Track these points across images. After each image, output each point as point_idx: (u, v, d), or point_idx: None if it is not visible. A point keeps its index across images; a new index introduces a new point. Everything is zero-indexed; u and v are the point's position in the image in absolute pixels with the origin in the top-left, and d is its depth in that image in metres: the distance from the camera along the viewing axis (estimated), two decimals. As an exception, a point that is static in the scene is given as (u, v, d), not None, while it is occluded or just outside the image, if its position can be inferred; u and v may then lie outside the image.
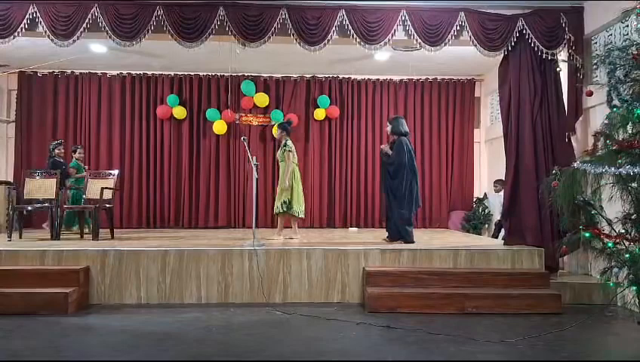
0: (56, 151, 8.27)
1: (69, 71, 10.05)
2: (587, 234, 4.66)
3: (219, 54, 7.91)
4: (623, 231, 4.59)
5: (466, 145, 10.50)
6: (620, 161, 4.38)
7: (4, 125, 10.09)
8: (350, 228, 10.05)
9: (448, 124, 10.52)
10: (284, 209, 7.07)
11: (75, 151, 8.50)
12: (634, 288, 4.53)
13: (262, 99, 10.08)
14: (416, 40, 6.68)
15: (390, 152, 6.78)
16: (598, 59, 4.91)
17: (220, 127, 9.93)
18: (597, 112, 6.41)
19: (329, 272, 5.99)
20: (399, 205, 6.65)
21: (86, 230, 7.70)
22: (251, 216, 6.65)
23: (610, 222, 4.70)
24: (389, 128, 6.98)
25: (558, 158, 6.35)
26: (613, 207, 4.62)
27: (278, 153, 7.30)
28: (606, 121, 4.64)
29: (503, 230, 7.85)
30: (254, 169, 6.57)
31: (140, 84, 10.25)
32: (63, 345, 4.33)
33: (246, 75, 10.16)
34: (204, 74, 10.25)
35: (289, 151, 7.07)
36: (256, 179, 6.61)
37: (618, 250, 4.59)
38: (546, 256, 6.22)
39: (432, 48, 6.74)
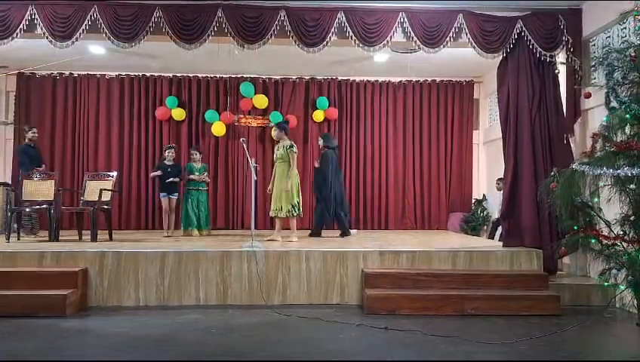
0: (165, 154, 8.55)
1: (68, 72, 10.03)
2: (585, 236, 4.68)
3: (218, 56, 7.90)
4: (622, 232, 4.60)
5: (464, 146, 10.50)
6: (618, 162, 4.39)
7: (2, 127, 10.07)
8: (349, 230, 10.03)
9: (447, 125, 10.52)
10: (297, 211, 7.17)
11: (192, 155, 8.65)
12: (632, 289, 4.54)
13: (261, 101, 10.08)
14: (415, 42, 6.69)
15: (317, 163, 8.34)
16: (596, 61, 4.93)
17: (219, 128, 9.93)
18: (595, 114, 6.43)
19: (328, 274, 5.99)
20: (325, 205, 8.07)
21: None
22: (250, 218, 6.64)
23: (608, 224, 4.72)
24: (320, 142, 8.32)
25: (556, 160, 6.37)
26: (611, 208, 4.64)
27: (280, 152, 7.23)
28: (604, 123, 4.66)
29: (499, 229, 7.85)
30: (253, 171, 6.57)
31: (138, 85, 10.25)
32: (62, 346, 4.32)
33: (245, 76, 10.16)
34: (203, 75, 10.25)
35: (295, 152, 7.12)
36: (255, 181, 6.61)
37: (617, 252, 4.60)
38: (545, 257, 6.21)
39: (431, 50, 6.75)
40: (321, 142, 8.33)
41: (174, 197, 8.44)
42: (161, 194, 8.47)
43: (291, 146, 7.17)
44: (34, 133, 8.30)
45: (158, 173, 8.34)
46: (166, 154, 8.48)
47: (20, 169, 7.98)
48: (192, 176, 8.39)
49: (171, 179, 8.30)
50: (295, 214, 7.17)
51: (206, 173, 8.57)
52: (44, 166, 8.33)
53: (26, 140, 8.27)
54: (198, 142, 10.16)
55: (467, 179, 10.51)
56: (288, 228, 7.37)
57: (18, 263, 5.82)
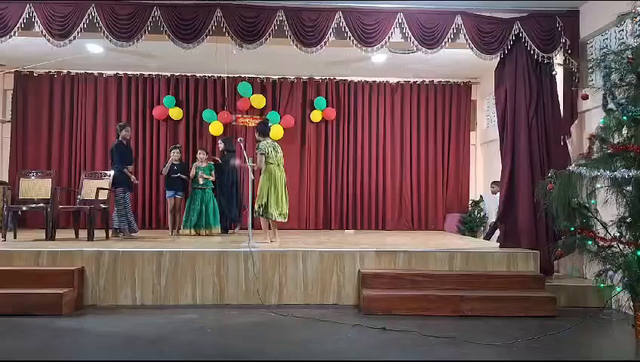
0: (170, 154, 8.55)
1: (65, 71, 10.03)
2: (582, 238, 4.69)
3: (215, 55, 7.90)
4: (618, 234, 4.61)
5: (461, 147, 10.52)
6: (614, 164, 4.40)
7: (-1, 125, 10.08)
8: (346, 230, 10.05)
9: (444, 126, 10.54)
10: (260, 213, 6.81)
11: (198, 154, 8.65)
12: (628, 291, 4.55)
13: (258, 101, 10.08)
14: (413, 42, 6.69)
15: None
16: (593, 63, 4.94)
17: (216, 128, 9.92)
18: (592, 116, 6.45)
19: (325, 274, 5.98)
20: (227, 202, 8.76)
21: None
22: (247, 218, 6.61)
23: (605, 226, 4.72)
24: (222, 146, 8.89)
25: (553, 161, 6.37)
26: (608, 210, 4.64)
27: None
28: (601, 125, 4.67)
29: (497, 232, 7.87)
30: (250, 171, 6.57)
31: (136, 84, 10.24)
32: (57, 346, 4.32)
33: (243, 76, 10.16)
34: (201, 75, 10.25)
35: (260, 153, 6.83)
36: (252, 181, 6.59)
37: (613, 253, 4.61)
38: (541, 258, 6.23)
39: (429, 51, 6.76)
40: (222, 145, 8.95)
41: (180, 196, 8.48)
42: (168, 193, 8.52)
43: (258, 147, 6.93)
44: (127, 130, 7.93)
45: (167, 166, 8.36)
46: (171, 154, 8.51)
47: (112, 167, 7.71)
48: (200, 177, 8.32)
49: (178, 175, 8.34)
50: (260, 215, 6.83)
51: (213, 172, 8.52)
52: (131, 166, 7.96)
53: (119, 138, 7.81)
54: (195, 142, 10.16)
55: (464, 180, 10.53)
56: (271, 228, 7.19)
57: (14, 262, 5.80)
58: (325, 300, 5.95)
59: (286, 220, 7.05)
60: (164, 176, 8.56)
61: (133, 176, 7.76)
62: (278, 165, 6.93)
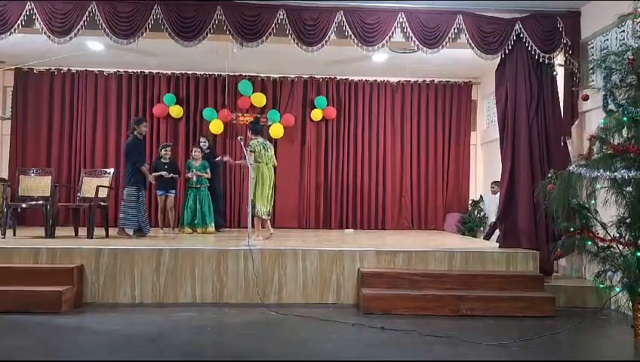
0: (161, 152, 8.51)
1: (66, 68, 10.03)
2: (582, 238, 4.69)
3: (216, 54, 7.89)
4: (617, 234, 4.62)
5: (462, 147, 10.53)
6: (614, 165, 4.40)
7: (-1, 122, 10.07)
8: (346, 230, 10.05)
9: (445, 126, 10.54)
10: (255, 211, 6.99)
11: (193, 151, 8.60)
12: (627, 292, 4.55)
13: (259, 99, 10.07)
14: (414, 42, 6.69)
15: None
16: (594, 64, 4.94)
17: (216, 126, 9.92)
18: (592, 116, 6.44)
19: (324, 273, 5.99)
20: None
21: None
22: (247, 217, 6.62)
23: (604, 226, 4.72)
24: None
25: (553, 162, 6.37)
26: (607, 210, 4.65)
27: None
28: (601, 125, 4.67)
29: (496, 231, 7.88)
30: (250, 169, 6.57)
31: (136, 82, 10.24)
32: (56, 343, 4.32)
33: (243, 74, 10.15)
34: (202, 73, 10.25)
35: (251, 151, 7.00)
36: (252, 179, 6.60)
37: (612, 254, 4.62)
38: (541, 258, 6.23)
39: (430, 51, 6.75)
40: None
41: (172, 194, 8.45)
42: (158, 192, 8.49)
43: (248, 145, 7.08)
44: (145, 125, 7.69)
45: (159, 174, 8.20)
46: (162, 153, 8.47)
47: (128, 165, 7.46)
48: (187, 175, 8.35)
49: (171, 175, 8.28)
50: (255, 213, 7.01)
51: (208, 170, 8.45)
52: (146, 164, 7.74)
53: (135, 133, 7.47)
54: (196, 140, 10.13)
55: (464, 180, 10.54)
56: (264, 227, 7.31)
57: (14, 259, 5.80)
58: (325, 299, 5.95)
59: (269, 218, 7.32)
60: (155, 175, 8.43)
61: (151, 176, 7.69)
62: (267, 164, 7.11)
